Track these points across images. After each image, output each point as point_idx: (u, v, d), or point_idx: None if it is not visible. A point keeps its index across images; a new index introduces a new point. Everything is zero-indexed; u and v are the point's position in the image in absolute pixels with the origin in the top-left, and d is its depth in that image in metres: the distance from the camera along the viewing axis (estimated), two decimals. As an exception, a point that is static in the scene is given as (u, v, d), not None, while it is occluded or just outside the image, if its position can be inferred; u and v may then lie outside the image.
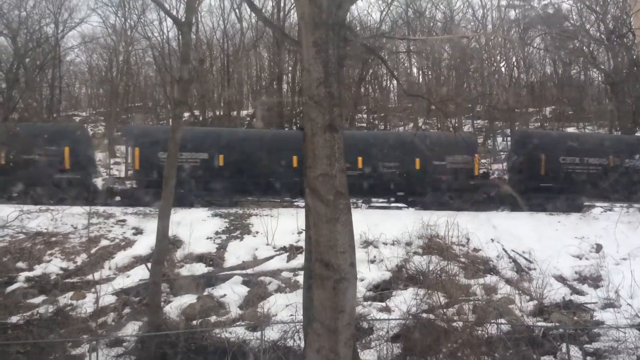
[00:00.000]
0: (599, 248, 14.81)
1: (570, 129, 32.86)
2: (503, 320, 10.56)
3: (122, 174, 26.06)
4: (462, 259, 13.95)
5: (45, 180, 17.95)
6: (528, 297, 12.17)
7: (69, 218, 15.34)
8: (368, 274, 12.91)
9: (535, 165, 19.63)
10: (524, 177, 20.14)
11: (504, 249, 14.59)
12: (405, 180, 19.46)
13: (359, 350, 9.15)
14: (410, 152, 19.11)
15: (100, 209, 16.53)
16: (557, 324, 10.62)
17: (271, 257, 14.01)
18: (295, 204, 19.06)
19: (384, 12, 35.18)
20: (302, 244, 12.95)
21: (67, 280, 12.70)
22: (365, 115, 37.63)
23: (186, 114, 31.82)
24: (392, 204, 19.84)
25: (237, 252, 14.19)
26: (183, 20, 11.98)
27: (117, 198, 19.19)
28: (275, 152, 18.94)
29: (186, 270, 13.20)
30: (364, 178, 18.81)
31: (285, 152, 18.64)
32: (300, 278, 11.79)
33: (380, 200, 20.12)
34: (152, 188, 16.90)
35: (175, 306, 11.32)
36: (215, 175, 18.50)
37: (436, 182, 19.33)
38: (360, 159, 18.90)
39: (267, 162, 18.75)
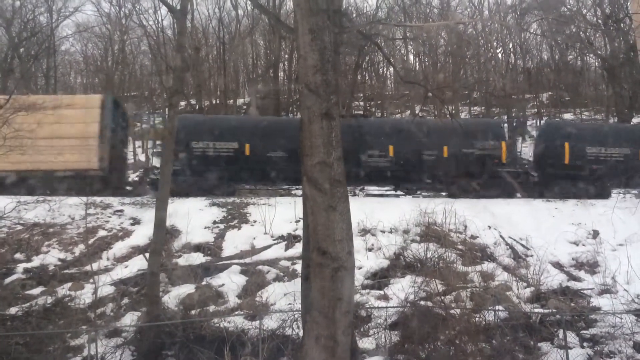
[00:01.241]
0: (595, 234, 14.81)
1: (567, 115, 32.93)
2: (500, 307, 10.58)
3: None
4: (460, 247, 13.97)
5: (486, 173, 18.99)
6: (525, 284, 12.18)
7: (66, 209, 15.29)
8: (366, 262, 12.90)
9: None
10: None
11: (501, 235, 14.59)
12: None
13: (357, 338, 9.20)
14: None
15: (97, 199, 16.48)
16: (554, 311, 10.65)
17: (269, 246, 13.98)
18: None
19: (380, -1, 34.97)
20: (300, 232, 12.92)
21: (65, 271, 12.68)
22: (361, 103, 37.50)
23: (182, 103, 31.68)
24: None
25: (235, 242, 14.14)
26: (178, 8, 11.87)
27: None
28: None
29: (184, 260, 13.16)
30: None
31: None
32: (298, 267, 11.78)
33: None
34: (581, 181, 18.75)
35: (174, 296, 11.31)
36: None
37: None
38: None
39: None
